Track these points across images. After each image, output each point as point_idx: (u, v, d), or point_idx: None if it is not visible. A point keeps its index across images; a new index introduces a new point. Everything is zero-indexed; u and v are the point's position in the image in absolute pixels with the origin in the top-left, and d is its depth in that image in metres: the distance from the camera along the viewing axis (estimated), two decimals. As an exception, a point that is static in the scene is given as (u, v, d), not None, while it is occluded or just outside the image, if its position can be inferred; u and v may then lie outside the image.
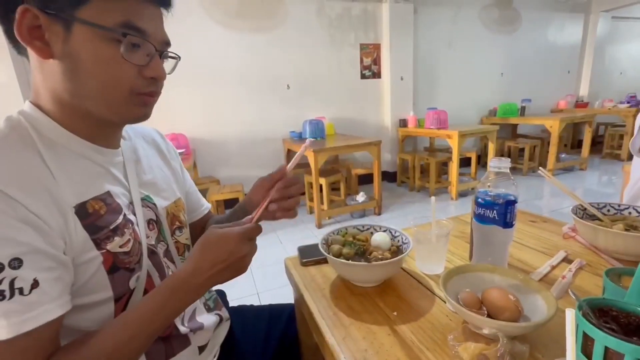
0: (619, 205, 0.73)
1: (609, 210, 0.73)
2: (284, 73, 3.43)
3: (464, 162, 3.85)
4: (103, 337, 0.40)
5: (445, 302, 0.55)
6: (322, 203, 2.82)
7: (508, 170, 0.54)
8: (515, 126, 4.62)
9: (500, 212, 0.53)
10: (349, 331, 0.50)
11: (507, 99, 4.52)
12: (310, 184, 2.92)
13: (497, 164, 0.54)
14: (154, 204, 0.55)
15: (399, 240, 0.67)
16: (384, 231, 0.70)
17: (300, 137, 3.33)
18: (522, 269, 0.63)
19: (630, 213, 0.71)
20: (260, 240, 0.47)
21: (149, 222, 0.53)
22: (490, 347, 0.40)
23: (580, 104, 4.95)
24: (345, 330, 0.51)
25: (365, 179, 3.60)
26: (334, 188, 3.29)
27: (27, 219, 0.35)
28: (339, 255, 0.61)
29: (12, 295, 0.33)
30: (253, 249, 0.48)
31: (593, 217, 0.73)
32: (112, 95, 0.43)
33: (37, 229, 0.36)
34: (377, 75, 3.86)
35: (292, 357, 0.75)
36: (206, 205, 0.75)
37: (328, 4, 3.44)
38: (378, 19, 3.70)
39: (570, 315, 0.29)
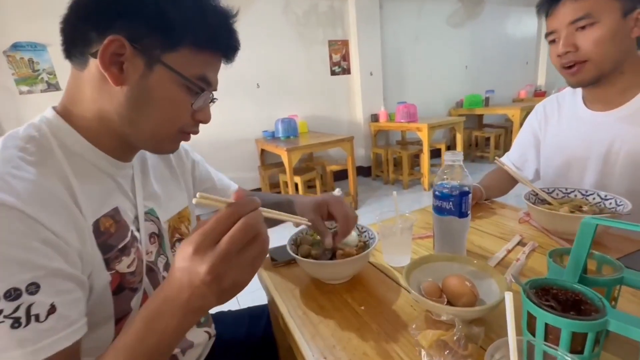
0: (566, 189, 0.78)
1: (557, 194, 0.79)
2: (253, 72, 3.38)
3: (435, 154, 3.98)
4: None
5: (410, 293, 0.57)
6: (298, 201, 2.82)
7: (461, 163, 0.57)
8: (481, 116, 4.83)
9: (456, 203, 0.56)
10: (318, 329, 0.51)
11: (472, 90, 4.71)
12: (286, 183, 2.91)
13: (451, 157, 0.57)
14: (157, 217, 0.54)
15: (366, 236, 0.69)
16: (352, 228, 0.71)
17: (273, 137, 3.31)
18: (481, 255, 0.67)
19: (575, 195, 0.77)
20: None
21: (151, 235, 0.52)
22: (448, 332, 0.42)
23: (538, 93, 5.25)
24: (314, 328, 0.52)
25: (341, 175, 3.64)
26: (309, 186, 3.30)
27: (46, 239, 0.34)
28: (307, 255, 0.62)
29: (27, 322, 0.32)
30: (224, 258, 0.31)
31: (544, 202, 0.78)
32: (163, 130, 0.46)
33: (57, 249, 0.35)
34: (347, 71, 3.90)
35: (272, 356, 0.76)
36: (233, 187, 0.76)
37: (294, 0, 3.42)
38: (345, 15, 3.72)
39: (509, 298, 0.31)
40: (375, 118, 3.92)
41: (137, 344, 0.34)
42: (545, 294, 0.40)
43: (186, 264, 0.32)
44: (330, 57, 3.77)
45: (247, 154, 3.51)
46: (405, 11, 4.11)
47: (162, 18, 0.40)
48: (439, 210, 0.59)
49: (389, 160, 3.69)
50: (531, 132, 0.98)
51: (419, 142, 3.74)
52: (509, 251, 0.67)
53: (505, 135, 4.39)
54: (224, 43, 0.46)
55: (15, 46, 2.55)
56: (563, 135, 0.88)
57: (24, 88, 2.63)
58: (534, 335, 0.38)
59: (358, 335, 0.49)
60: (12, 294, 0.31)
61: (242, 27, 0.48)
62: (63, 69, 2.70)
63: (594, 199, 0.73)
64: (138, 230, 0.49)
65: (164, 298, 0.34)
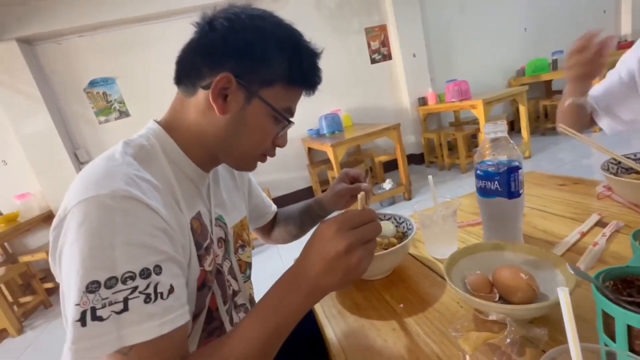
0: (661, 152, 0.62)
1: (649, 160, 0.63)
2: (292, 73, 3.41)
3: (496, 131, 3.59)
4: (232, 342, 0.38)
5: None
6: (348, 196, 2.78)
7: (505, 134, 0.48)
8: (548, 83, 4.22)
9: (502, 182, 0.48)
10: (352, 329, 0.48)
11: (535, 54, 4.13)
12: (334, 179, 2.88)
13: (492, 129, 0.49)
14: (225, 224, 0.59)
15: (404, 227, 0.63)
16: (388, 219, 0.66)
17: (318, 134, 3.31)
18: (546, 241, 0.57)
19: (676, 159, 0.61)
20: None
21: (219, 240, 0.57)
22: (496, 335, 0.36)
23: (623, 44, 4.39)
24: (348, 328, 0.49)
25: (391, 165, 3.51)
26: (359, 179, 3.23)
27: (164, 229, 0.40)
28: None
29: (155, 298, 0.36)
30: (359, 240, 0.37)
31: (631, 170, 0.63)
32: (250, 153, 0.51)
33: (170, 239, 0.41)
34: (387, 57, 3.72)
35: (319, 353, 0.75)
36: (273, 208, 0.82)
37: (325, -6, 3.37)
38: (380, -2, 3.56)
39: (563, 294, 0.24)
40: (423, 102, 3.68)
41: (266, 317, 0.38)
42: (628, 286, 0.31)
43: (329, 236, 0.37)
44: (369, 45, 3.64)
45: (296, 154, 3.56)
46: (447, -19, 3.78)
47: (265, 59, 0.45)
48: (483, 191, 0.51)
49: (442, 145, 3.43)
50: (626, 71, 0.77)
51: (475, 121, 3.42)
52: (583, 234, 0.56)
53: (582, 100, 3.77)
54: (311, 80, 0.50)
55: (92, 83, 2.95)
56: None
57: (102, 118, 3.03)
58: (613, 340, 0.30)
59: (395, 336, 0.44)
60: (145, 273, 0.36)
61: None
62: (130, 97, 3.05)
63: (703, 160, 0.57)
64: (212, 233, 0.54)
65: (294, 275, 0.39)
